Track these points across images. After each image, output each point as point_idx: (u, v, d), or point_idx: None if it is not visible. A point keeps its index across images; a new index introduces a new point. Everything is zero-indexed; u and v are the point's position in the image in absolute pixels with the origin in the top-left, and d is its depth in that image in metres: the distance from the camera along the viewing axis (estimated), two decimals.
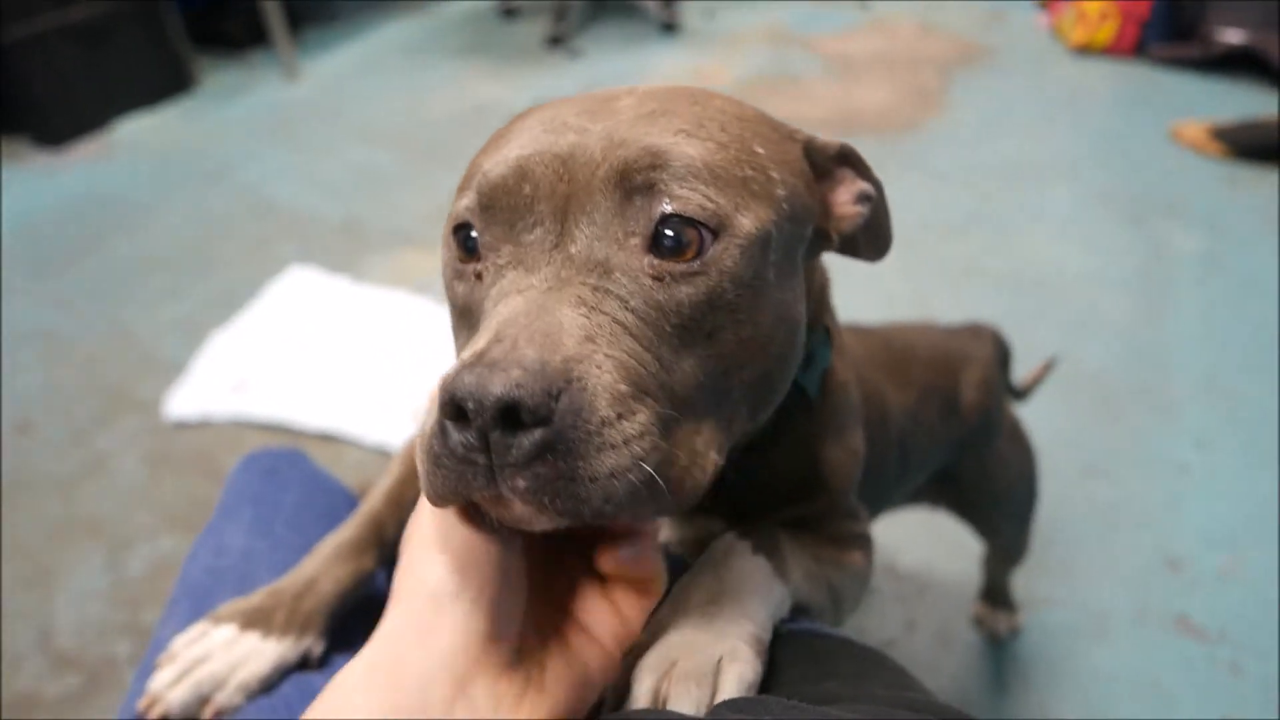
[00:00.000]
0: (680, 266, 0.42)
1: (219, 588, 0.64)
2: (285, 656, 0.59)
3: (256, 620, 0.59)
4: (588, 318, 0.40)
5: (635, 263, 0.42)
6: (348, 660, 0.41)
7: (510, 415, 0.36)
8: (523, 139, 0.46)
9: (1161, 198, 2.43)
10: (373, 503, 0.66)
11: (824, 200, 0.52)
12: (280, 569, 0.65)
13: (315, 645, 0.61)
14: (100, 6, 2.83)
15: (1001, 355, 1.12)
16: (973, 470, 1.05)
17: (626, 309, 0.41)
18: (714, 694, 0.45)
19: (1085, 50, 3.29)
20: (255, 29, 3.37)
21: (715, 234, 0.43)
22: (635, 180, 0.42)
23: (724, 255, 0.43)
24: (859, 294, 2.05)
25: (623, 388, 0.39)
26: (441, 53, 3.54)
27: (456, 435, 0.37)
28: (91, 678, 1.38)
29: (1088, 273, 2.15)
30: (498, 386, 0.35)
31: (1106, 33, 3.24)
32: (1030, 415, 1.69)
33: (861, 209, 0.52)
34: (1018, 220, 2.37)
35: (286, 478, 0.72)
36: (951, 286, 2.11)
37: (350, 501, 0.76)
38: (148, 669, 0.61)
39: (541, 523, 0.40)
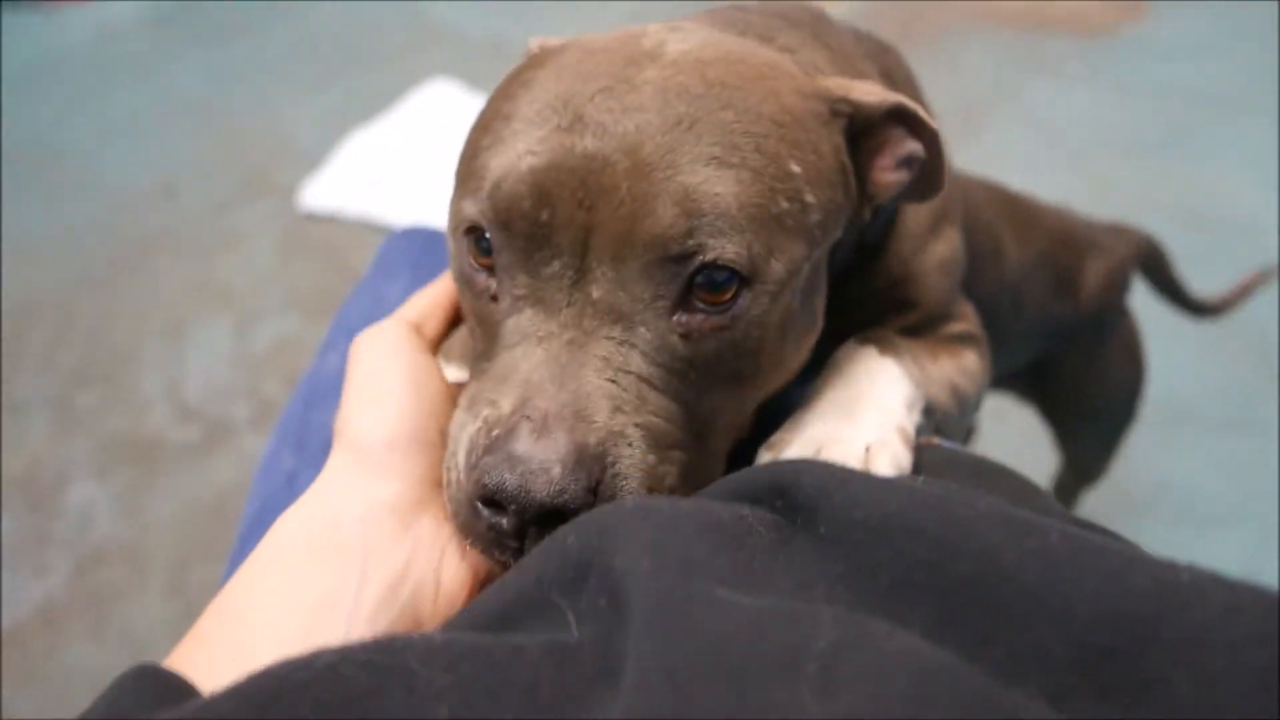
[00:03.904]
0: (710, 321, 0.40)
1: None
2: None
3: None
4: (614, 381, 0.39)
5: (662, 322, 0.40)
6: None
7: (552, 514, 0.36)
8: (534, 136, 0.41)
9: None
10: None
11: (862, 173, 0.47)
12: None
13: None
14: None
15: (1152, 262, 1.07)
16: (1074, 367, 1.00)
17: (653, 364, 0.40)
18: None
19: None
20: None
21: (747, 282, 0.40)
22: (672, 249, 0.39)
23: (753, 305, 0.41)
24: None
25: (652, 458, 0.39)
26: None
27: (490, 518, 0.38)
28: (211, 432, 1.46)
29: (1273, 220, 1.96)
30: (541, 492, 0.36)
31: None
32: (1181, 354, 1.59)
33: (900, 177, 0.47)
34: (1206, 152, 2.15)
35: (444, 254, 0.71)
36: (1118, 210, 1.93)
37: None
38: (308, 393, 0.62)
39: None
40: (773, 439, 0.45)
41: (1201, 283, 1.34)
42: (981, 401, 0.63)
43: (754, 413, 0.48)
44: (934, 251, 0.59)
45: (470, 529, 0.38)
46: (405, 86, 2.16)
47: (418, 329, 0.48)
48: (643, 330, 0.40)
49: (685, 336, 0.40)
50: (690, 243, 0.39)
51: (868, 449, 0.43)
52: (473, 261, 0.43)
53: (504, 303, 0.42)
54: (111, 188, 1.88)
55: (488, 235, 0.42)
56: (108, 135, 2.02)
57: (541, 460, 0.36)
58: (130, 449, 1.44)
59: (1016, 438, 1.38)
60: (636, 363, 0.40)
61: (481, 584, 0.40)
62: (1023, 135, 2.16)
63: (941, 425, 0.54)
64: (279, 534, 0.37)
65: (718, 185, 0.39)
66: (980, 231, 0.73)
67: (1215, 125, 2.25)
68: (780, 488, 0.32)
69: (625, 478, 0.38)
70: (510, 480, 0.36)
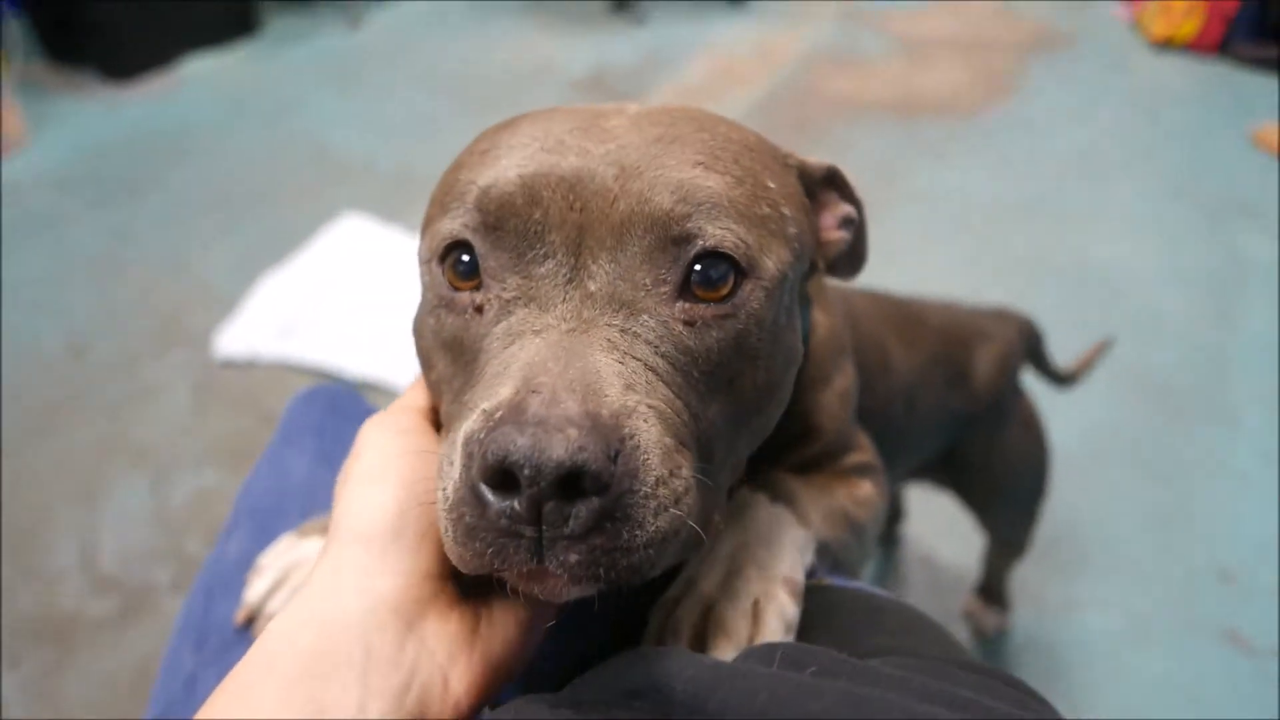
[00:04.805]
0: (711, 310, 0.40)
1: (283, 509, 0.63)
2: None
3: None
4: (622, 364, 0.37)
5: (665, 309, 0.39)
6: None
7: (570, 483, 0.33)
8: (518, 155, 0.41)
9: (1237, 200, 2.34)
10: None
11: (814, 227, 0.50)
12: None
13: None
14: None
15: (1031, 343, 1.10)
16: (979, 451, 1.03)
17: (657, 354, 0.39)
18: (754, 636, 0.44)
19: (1166, 44, 3.17)
20: None
21: (745, 274, 0.41)
22: (673, 230, 0.39)
23: (751, 297, 0.41)
24: (913, 278, 2.01)
25: (669, 440, 0.37)
26: (505, 7, 3.51)
27: (499, 504, 0.34)
28: (129, 602, 1.40)
29: (1155, 271, 2.08)
30: (559, 450, 0.32)
31: (1190, 28, 3.12)
32: (1086, 412, 1.65)
33: (845, 234, 0.52)
34: (1085, 213, 2.30)
35: (348, 413, 0.71)
36: (1010, 275, 2.06)
37: None
38: (208, 583, 0.60)
39: (576, 594, 0.37)
40: (665, 596, 0.46)
41: (1090, 333, 1.42)
42: (881, 526, 0.65)
43: (745, 460, 0.48)
44: (835, 383, 0.62)
45: (475, 531, 0.34)
46: (316, 224, 2.18)
47: (427, 415, 0.46)
48: (645, 318, 0.39)
49: (689, 324, 0.40)
50: (689, 225, 0.39)
51: (756, 604, 0.45)
52: (451, 282, 0.42)
53: (491, 312, 0.40)
54: (16, 351, 1.84)
55: (465, 258, 0.41)
56: (11, 297, 1.98)
57: (555, 421, 0.33)
58: (43, 628, 1.37)
59: (947, 514, 1.41)
60: (642, 350, 0.38)
61: (490, 682, 0.38)
62: (912, 213, 2.28)
63: (840, 555, 0.55)
64: (273, 642, 0.35)
65: (708, 181, 0.40)
66: (868, 348, 0.76)
67: (1085, 187, 2.41)
68: (656, 687, 0.34)
69: (646, 452, 0.35)
70: (522, 441, 0.32)
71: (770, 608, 0.45)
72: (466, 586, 0.41)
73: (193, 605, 0.60)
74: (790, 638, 0.45)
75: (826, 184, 0.51)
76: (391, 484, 0.40)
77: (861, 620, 0.47)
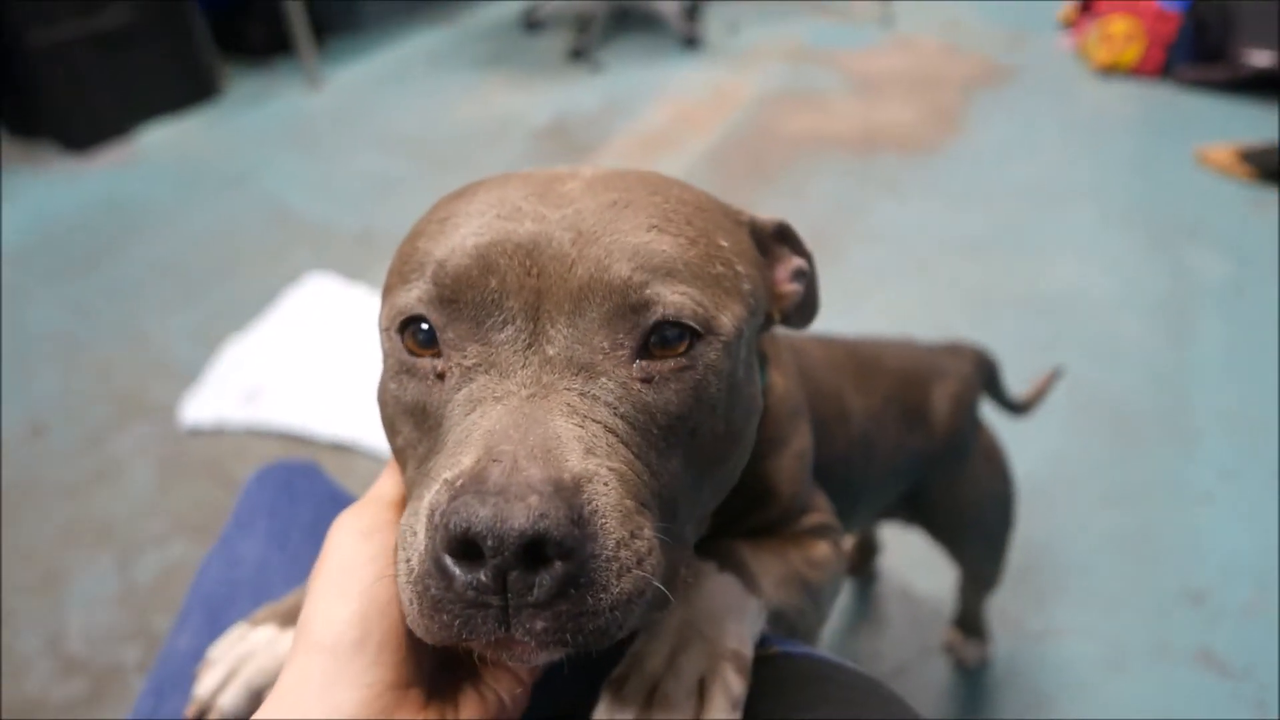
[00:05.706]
0: (669, 364, 0.41)
1: (235, 597, 0.63)
2: None
3: (295, 618, 0.57)
4: (582, 428, 0.38)
5: (623, 370, 0.40)
6: None
7: (533, 551, 0.33)
8: (475, 224, 0.42)
9: (1187, 221, 2.40)
10: None
11: (768, 281, 0.52)
12: (296, 580, 0.64)
13: None
14: (126, 14, 2.85)
15: (987, 375, 1.11)
16: (943, 488, 1.04)
17: (616, 415, 0.40)
18: (700, 715, 0.44)
19: (1109, 72, 3.26)
20: (279, 37, 3.40)
21: (700, 335, 0.42)
22: (630, 298, 0.40)
23: (708, 351, 0.42)
24: (874, 316, 2.04)
25: (629, 503, 0.37)
26: (464, 63, 3.55)
27: (464, 576, 0.34)
28: (98, 684, 1.37)
29: (1110, 297, 2.13)
30: (520, 519, 0.33)
31: (1131, 54, 3.22)
32: (1050, 439, 1.68)
33: (798, 286, 0.53)
34: (1039, 242, 2.34)
35: (302, 491, 0.71)
36: (969, 309, 2.09)
37: None
38: (159, 680, 0.59)
39: (544, 659, 0.37)
40: (614, 674, 0.46)
41: (1049, 362, 1.44)
42: (840, 587, 0.65)
43: (710, 515, 0.48)
44: (792, 445, 0.62)
45: (441, 603, 0.35)
46: (280, 287, 2.18)
47: (398, 505, 0.46)
48: (604, 380, 0.40)
49: (647, 381, 0.41)
50: (647, 292, 0.40)
51: (701, 681, 0.45)
52: (411, 349, 0.43)
53: (452, 379, 0.41)
54: None
55: (424, 327, 0.42)
56: None
57: (516, 489, 0.34)
58: (8, 714, 1.33)
59: (922, 546, 1.42)
60: (601, 413, 0.39)
61: None
62: (871, 251, 2.31)
63: (795, 621, 0.55)
64: None
65: (662, 245, 0.42)
66: (824, 397, 0.77)
67: (1038, 216, 2.46)
68: None
69: (604, 516, 0.36)
70: (483, 512, 0.33)
71: (716, 685, 0.45)
72: (431, 691, 0.41)
73: (142, 705, 0.59)
74: (737, 715, 0.45)
75: (777, 238, 0.53)
76: (354, 593, 0.40)
77: (809, 691, 0.47)
